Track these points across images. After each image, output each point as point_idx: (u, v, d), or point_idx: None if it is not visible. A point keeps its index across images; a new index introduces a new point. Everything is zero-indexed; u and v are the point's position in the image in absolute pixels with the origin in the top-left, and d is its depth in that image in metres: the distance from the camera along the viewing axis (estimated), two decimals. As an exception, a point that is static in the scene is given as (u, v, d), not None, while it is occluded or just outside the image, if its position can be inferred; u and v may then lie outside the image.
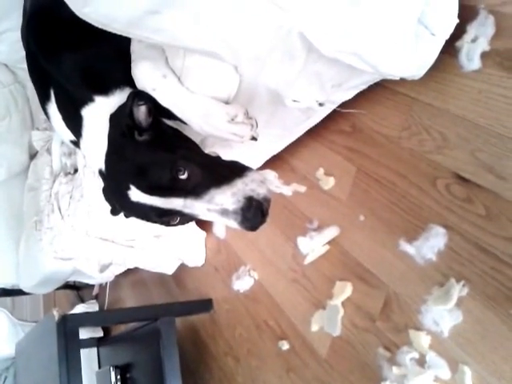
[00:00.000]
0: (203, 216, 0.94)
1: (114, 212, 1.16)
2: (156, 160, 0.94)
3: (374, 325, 1.16)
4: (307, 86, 1.02)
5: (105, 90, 1.04)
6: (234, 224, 0.91)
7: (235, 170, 0.95)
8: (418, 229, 1.07)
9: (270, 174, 1.43)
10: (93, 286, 2.83)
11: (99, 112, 1.03)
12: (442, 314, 1.00)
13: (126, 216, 1.16)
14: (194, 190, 0.92)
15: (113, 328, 2.48)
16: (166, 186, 0.92)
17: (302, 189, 1.40)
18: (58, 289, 2.41)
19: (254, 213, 0.90)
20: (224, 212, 0.90)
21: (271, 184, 1.45)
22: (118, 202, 1.06)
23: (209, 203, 0.91)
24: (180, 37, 0.83)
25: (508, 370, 0.90)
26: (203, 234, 1.88)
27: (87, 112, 1.05)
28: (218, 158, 1.03)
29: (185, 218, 0.98)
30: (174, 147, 0.97)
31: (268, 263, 1.55)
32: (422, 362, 1.04)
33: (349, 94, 1.09)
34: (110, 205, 1.14)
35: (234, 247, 1.74)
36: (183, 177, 0.92)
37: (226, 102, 1.01)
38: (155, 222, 1.00)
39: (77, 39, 1.03)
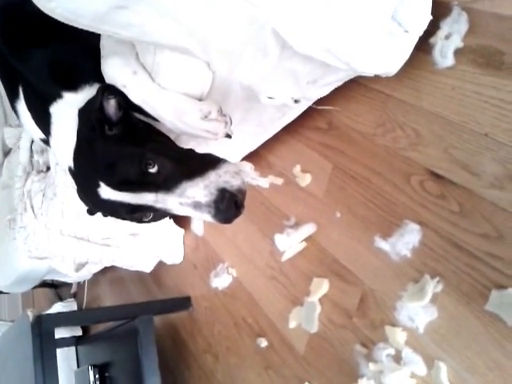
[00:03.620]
0: (176, 211, 0.91)
1: (91, 212, 1.14)
2: (124, 154, 0.91)
3: (350, 321, 1.16)
4: (282, 83, 1.01)
5: (73, 86, 1.01)
6: (207, 217, 0.89)
7: (209, 162, 0.93)
8: (393, 225, 1.08)
9: (246, 166, 1.41)
10: (71, 284, 2.80)
11: (68, 108, 1.00)
12: (417, 311, 1.00)
13: (104, 215, 1.14)
14: (165, 184, 0.89)
15: (92, 326, 2.45)
16: (136, 181, 0.90)
17: (279, 181, 1.39)
18: (35, 287, 2.38)
19: (227, 205, 0.88)
20: (197, 205, 0.88)
21: (247, 176, 1.43)
22: (90, 200, 1.03)
23: (180, 197, 0.88)
24: (148, 32, 0.82)
25: (481, 365, 0.91)
26: (181, 231, 1.87)
27: (56, 109, 1.02)
28: (191, 150, 1.00)
29: (158, 213, 0.96)
30: (144, 141, 0.95)
31: (246, 260, 1.54)
32: (398, 358, 1.04)
33: (324, 91, 1.09)
34: (86, 204, 1.12)
35: (212, 244, 1.73)
36: (153, 170, 0.90)
37: (200, 99, 0.99)
38: (127, 219, 0.98)
39: (44, 35, 1.00)
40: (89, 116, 0.94)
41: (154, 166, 0.89)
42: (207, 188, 0.88)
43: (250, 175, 1.42)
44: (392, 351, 1.05)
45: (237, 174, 0.92)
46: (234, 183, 0.90)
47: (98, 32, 0.85)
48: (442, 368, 0.96)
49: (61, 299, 2.96)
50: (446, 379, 0.95)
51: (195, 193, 0.88)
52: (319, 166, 1.27)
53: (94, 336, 2.26)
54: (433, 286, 0.99)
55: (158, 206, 0.91)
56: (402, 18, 0.90)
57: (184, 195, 0.88)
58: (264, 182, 1.41)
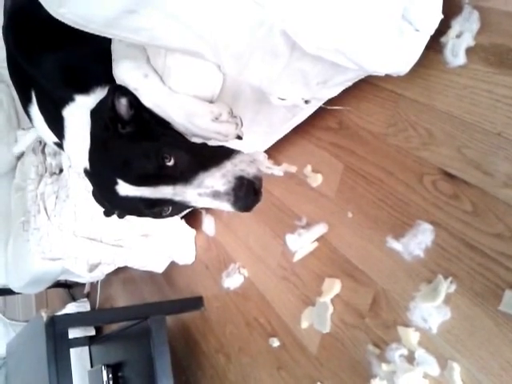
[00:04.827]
0: (195, 202, 0.92)
1: (107, 213, 1.14)
2: (140, 150, 0.92)
3: (363, 321, 1.16)
4: (292, 84, 1.01)
5: (85, 89, 1.02)
6: (227, 206, 0.89)
7: (223, 153, 0.93)
8: (405, 225, 1.07)
9: (260, 155, 1.40)
10: (84, 284, 2.82)
11: (80, 111, 1.01)
12: (430, 311, 1.00)
13: (120, 216, 1.14)
14: (182, 176, 0.90)
15: (104, 326, 2.47)
16: (153, 175, 0.90)
17: (293, 169, 1.38)
18: (49, 287, 2.40)
19: (245, 191, 0.88)
20: (216, 194, 0.88)
21: (261, 165, 1.43)
22: (107, 200, 1.04)
23: (199, 187, 0.89)
24: (158, 36, 0.82)
25: (496, 366, 0.90)
26: (193, 231, 1.88)
27: (68, 112, 1.04)
28: (205, 144, 1.00)
29: (176, 207, 0.96)
30: (158, 136, 0.95)
31: (257, 260, 1.55)
32: (411, 358, 1.04)
33: (334, 91, 1.08)
34: (102, 206, 1.13)
35: (224, 244, 1.74)
36: (170, 163, 0.90)
37: (210, 101, 1.00)
38: (147, 214, 0.98)
39: (56, 39, 1.01)
40: (101, 116, 0.95)
41: (170, 159, 0.90)
42: (224, 177, 0.88)
43: (264, 164, 1.41)
44: (405, 351, 1.05)
45: (252, 162, 0.92)
46: (250, 171, 0.90)
47: (108, 36, 0.86)
48: (455, 368, 0.96)
49: (74, 299, 2.98)
50: (460, 380, 0.95)
51: (213, 182, 0.88)
52: (330, 166, 1.27)
53: (107, 336, 2.28)
54: (446, 287, 0.98)
55: (177, 198, 0.91)
56: (413, 17, 0.89)
57: (202, 185, 0.89)
58: (278, 171, 1.41)
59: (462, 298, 0.96)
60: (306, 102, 1.08)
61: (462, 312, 0.96)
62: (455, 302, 0.97)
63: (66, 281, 2.90)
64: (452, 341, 0.98)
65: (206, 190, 0.89)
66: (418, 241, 1.03)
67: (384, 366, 1.08)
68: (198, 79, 0.97)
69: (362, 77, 1.05)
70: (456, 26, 0.96)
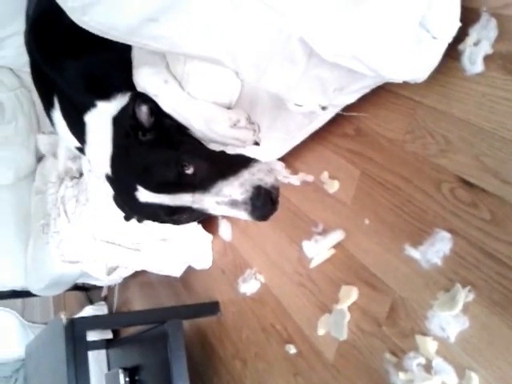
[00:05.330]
0: (213, 210, 0.93)
1: (127, 218, 1.16)
2: (160, 157, 0.94)
3: (380, 329, 1.15)
4: (309, 90, 1.01)
5: (106, 95, 1.04)
6: (244, 215, 0.90)
7: (241, 162, 0.95)
8: (423, 233, 1.06)
9: (277, 164, 1.41)
10: (102, 287, 2.85)
11: (102, 117, 1.03)
12: (448, 320, 0.99)
13: (139, 220, 1.16)
14: (201, 184, 0.91)
15: (122, 330, 2.49)
16: (173, 183, 0.92)
17: (310, 178, 1.39)
18: (67, 290, 2.44)
19: (263, 201, 0.89)
20: (233, 203, 0.90)
21: (279, 174, 1.43)
22: (128, 205, 1.06)
23: (217, 196, 0.90)
24: (178, 44, 0.83)
25: (514, 377, 0.89)
26: (210, 236, 1.89)
27: (90, 118, 1.06)
28: (223, 152, 1.02)
29: (194, 214, 0.97)
30: (178, 144, 0.97)
31: (274, 266, 1.55)
32: (428, 367, 1.03)
33: (351, 98, 1.08)
34: (122, 211, 1.14)
35: (240, 250, 1.74)
36: (189, 171, 0.92)
37: (228, 107, 1.01)
38: (166, 221, 1.00)
39: (79, 46, 1.03)
40: (123, 123, 0.97)
41: (189, 168, 0.92)
42: (242, 186, 0.90)
43: (282, 173, 1.42)
44: (422, 360, 1.04)
45: (269, 171, 0.94)
46: (267, 180, 0.91)
47: (129, 44, 0.88)
48: (473, 378, 0.95)
49: (91, 302, 3.02)
50: (478, 390, 0.94)
51: (231, 191, 0.89)
52: (347, 173, 1.27)
53: (124, 339, 2.29)
54: (464, 295, 0.97)
55: (195, 206, 0.93)
56: (431, 25, 0.89)
57: (220, 194, 0.90)
58: (295, 180, 1.41)
59: (480, 307, 0.95)
60: (323, 108, 1.08)
61: (480, 321, 0.95)
62: (473, 311, 0.96)
63: (83, 284, 2.93)
64: (470, 350, 0.96)
65: (223, 198, 0.90)
66: (436, 249, 1.03)
67: (401, 375, 1.07)
68: (216, 85, 0.98)
69: (380, 83, 1.05)
70: (474, 33, 0.95)
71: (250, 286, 1.63)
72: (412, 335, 1.07)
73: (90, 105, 1.05)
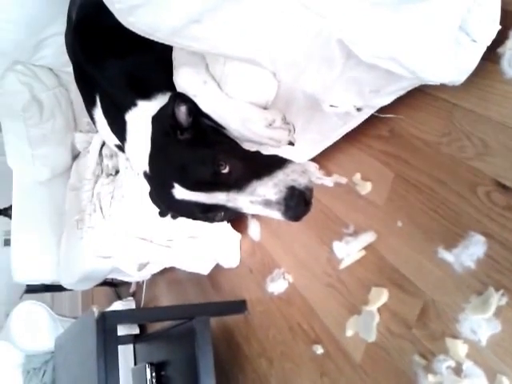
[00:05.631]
0: (247, 209, 0.94)
1: (162, 214, 1.19)
2: (197, 156, 0.96)
3: (409, 332, 1.15)
4: (345, 92, 1.02)
5: (147, 95, 1.06)
6: (277, 215, 0.91)
7: (275, 162, 0.96)
8: (457, 236, 1.06)
9: (311, 166, 1.42)
10: (130, 283, 2.90)
11: (142, 116, 1.06)
12: (480, 323, 0.99)
13: (174, 217, 1.18)
14: (236, 184, 0.93)
15: (148, 326, 2.53)
16: (209, 181, 0.94)
17: (343, 180, 1.40)
18: (95, 286, 2.49)
19: (296, 201, 0.90)
20: (267, 203, 0.91)
21: (312, 175, 1.44)
22: (164, 202, 1.08)
23: (251, 195, 0.91)
24: (219, 45, 0.85)
25: (547, 382, 0.89)
26: (238, 235, 1.91)
27: (131, 116, 1.08)
28: (258, 152, 1.03)
29: (228, 212, 0.99)
30: (214, 143, 0.99)
31: (302, 267, 1.56)
32: (458, 370, 1.03)
33: (387, 100, 1.09)
34: (158, 207, 1.17)
35: (269, 249, 1.75)
36: (225, 171, 0.93)
37: (264, 108, 1.02)
38: (200, 218, 1.02)
39: (121, 46, 1.06)
40: (162, 122, 1.00)
41: (225, 167, 0.93)
42: (276, 186, 0.91)
43: (315, 175, 1.43)
44: (452, 363, 1.04)
45: (303, 172, 0.94)
46: (301, 181, 0.92)
47: (171, 44, 0.90)
48: (504, 383, 0.94)
49: (119, 298, 3.07)
50: (509, 394, 0.94)
51: (265, 191, 0.91)
52: (380, 175, 1.27)
53: (152, 335, 2.33)
54: (497, 299, 0.97)
55: (230, 204, 0.94)
56: (470, 28, 0.89)
57: (254, 194, 0.91)
58: (329, 181, 1.42)
59: (513, 312, 0.95)
60: (358, 109, 1.09)
61: (514, 326, 0.94)
62: (506, 315, 0.96)
63: (112, 279, 2.99)
64: (501, 354, 0.96)
65: (257, 198, 0.91)
66: (470, 252, 1.02)
67: (430, 377, 1.07)
68: (253, 86, 1.00)
69: (416, 86, 1.05)
70: (514, 36, 0.95)
71: (277, 285, 1.65)
72: (442, 338, 1.07)
73: (131, 104, 1.07)
